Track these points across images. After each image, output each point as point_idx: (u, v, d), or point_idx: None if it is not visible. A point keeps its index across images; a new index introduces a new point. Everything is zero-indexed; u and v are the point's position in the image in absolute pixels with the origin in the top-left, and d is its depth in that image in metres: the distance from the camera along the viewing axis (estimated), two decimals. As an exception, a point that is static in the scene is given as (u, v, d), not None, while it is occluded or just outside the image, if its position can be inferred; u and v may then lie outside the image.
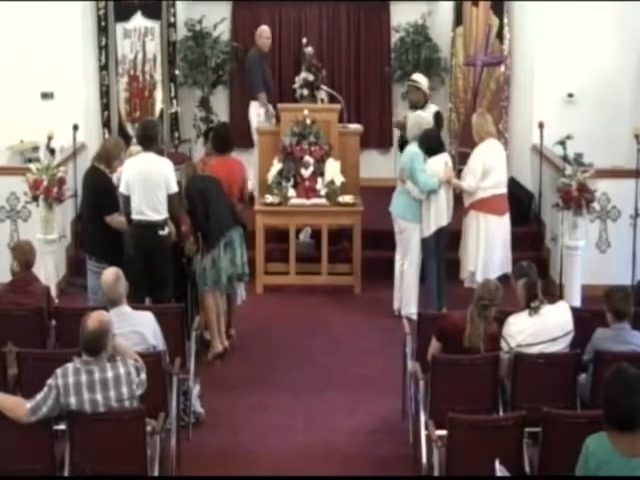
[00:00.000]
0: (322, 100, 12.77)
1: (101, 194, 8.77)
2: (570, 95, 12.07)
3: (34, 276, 8.00)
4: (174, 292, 8.73)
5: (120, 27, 13.07)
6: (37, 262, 8.14)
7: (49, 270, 9.98)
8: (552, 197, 10.68)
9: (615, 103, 11.99)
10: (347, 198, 10.95)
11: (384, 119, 13.74)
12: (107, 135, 12.80)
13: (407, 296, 10.04)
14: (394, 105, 13.66)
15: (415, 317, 8.43)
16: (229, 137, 9.72)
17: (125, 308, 6.99)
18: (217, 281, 8.93)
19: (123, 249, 8.72)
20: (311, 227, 11.43)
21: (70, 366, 5.89)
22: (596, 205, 10.51)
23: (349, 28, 14.02)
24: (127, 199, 8.55)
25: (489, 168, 9.76)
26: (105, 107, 13.12)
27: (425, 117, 10.30)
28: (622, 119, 11.95)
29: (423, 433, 6.68)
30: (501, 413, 6.78)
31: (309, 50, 12.87)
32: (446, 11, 13.43)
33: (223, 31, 13.76)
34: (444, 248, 9.99)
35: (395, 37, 13.82)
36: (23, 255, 7.86)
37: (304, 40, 13.20)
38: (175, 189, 8.64)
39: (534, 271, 7.12)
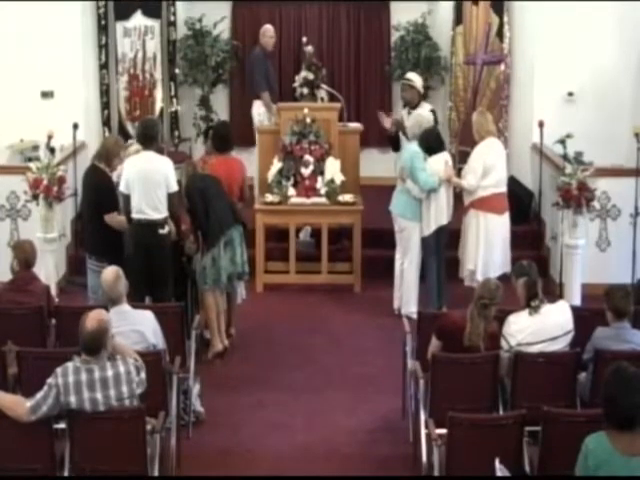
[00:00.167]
0: (322, 99, 12.77)
1: (101, 193, 8.77)
2: (570, 94, 12.07)
3: (34, 275, 8.00)
4: (174, 291, 8.73)
5: (120, 26, 13.08)
6: (37, 261, 8.14)
7: (49, 269, 9.98)
8: (552, 196, 10.69)
9: (615, 102, 11.99)
10: (347, 197, 10.95)
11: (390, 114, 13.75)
12: (107, 134, 12.80)
13: (407, 295, 10.04)
14: (394, 104, 13.64)
15: (415, 316, 8.43)
16: (229, 136, 9.72)
17: (125, 307, 6.99)
18: (217, 280, 8.93)
19: (123, 248, 8.72)
20: (311, 226, 11.43)
21: (70, 365, 5.89)
22: (596, 204, 10.51)
23: (349, 27, 14.02)
24: (127, 198, 8.55)
25: (489, 167, 9.77)
26: (105, 106, 13.12)
27: (425, 116, 10.30)
28: (622, 118, 11.95)
29: (423, 432, 6.67)
30: (501, 412, 6.78)
31: (309, 49, 12.88)
32: (446, 10, 13.44)
33: (223, 30, 13.77)
34: (444, 247, 9.99)
35: (395, 36, 13.82)
36: (23, 254, 7.86)
37: (304, 39, 13.22)
38: (175, 188, 8.64)
39: (534, 270, 7.12)
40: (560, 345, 6.92)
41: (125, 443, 5.92)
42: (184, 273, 9.10)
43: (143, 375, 6.09)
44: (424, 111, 10.59)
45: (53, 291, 9.12)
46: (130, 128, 12.99)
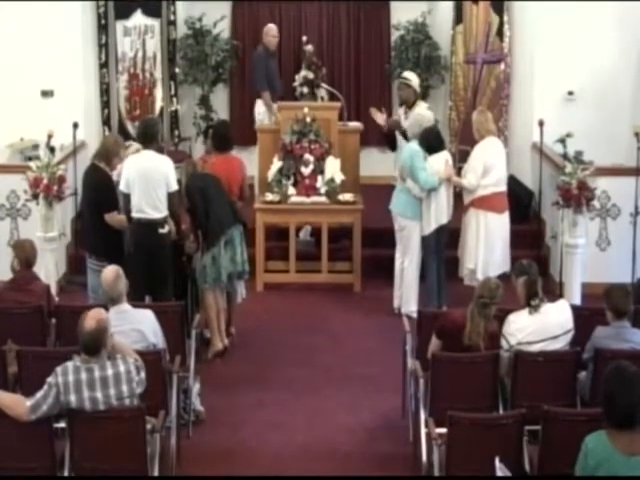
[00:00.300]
0: (322, 98, 12.79)
1: (101, 192, 8.76)
2: (570, 93, 12.07)
3: (34, 274, 8.00)
4: (174, 290, 8.73)
5: (120, 25, 13.08)
6: (37, 260, 8.14)
7: (49, 268, 9.98)
8: (552, 195, 10.69)
9: (615, 101, 12.00)
10: (347, 196, 10.95)
11: (390, 115, 13.74)
12: (107, 133, 12.80)
13: (407, 294, 10.04)
14: (394, 103, 13.64)
15: (415, 315, 8.43)
16: (229, 135, 9.72)
17: (125, 306, 6.99)
18: (217, 279, 8.93)
19: (123, 247, 8.72)
20: (311, 225, 11.43)
21: (70, 364, 5.89)
22: (596, 203, 10.51)
23: (349, 26, 14.04)
24: (127, 197, 8.55)
25: (489, 166, 9.77)
26: (105, 105, 13.13)
27: (426, 115, 10.30)
28: (622, 117, 11.96)
29: (423, 431, 6.67)
30: (501, 411, 6.78)
31: (309, 48, 12.89)
32: (446, 9, 13.44)
33: (223, 29, 13.78)
34: (444, 246, 9.99)
35: (395, 35, 13.84)
36: (24, 253, 7.86)
37: (304, 38, 13.23)
38: (175, 187, 8.64)
39: (534, 269, 7.12)
40: (560, 344, 6.92)
41: (125, 442, 5.92)
42: (184, 272, 9.11)
43: (143, 374, 6.09)
44: (424, 110, 10.59)
45: (53, 290, 9.11)
46: (130, 127, 13.00)
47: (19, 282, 7.80)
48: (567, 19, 11.79)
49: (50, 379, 5.86)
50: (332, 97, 12.40)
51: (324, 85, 12.69)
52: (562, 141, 10.74)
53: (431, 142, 9.83)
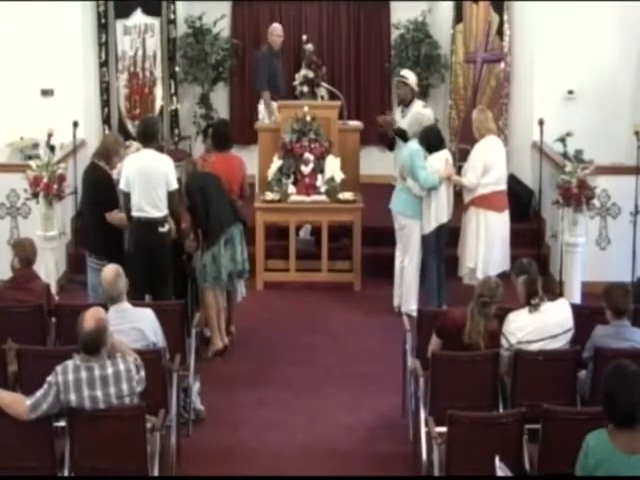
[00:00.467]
0: (322, 97, 12.79)
1: (101, 191, 8.77)
2: (570, 92, 12.07)
3: (34, 273, 8.01)
4: (174, 289, 8.73)
5: (120, 24, 13.08)
6: (37, 259, 8.14)
7: (49, 267, 9.98)
8: (552, 194, 10.69)
9: (615, 100, 11.99)
10: (347, 195, 10.95)
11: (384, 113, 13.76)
12: (107, 132, 12.80)
13: (407, 293, 10.04)
14: (394, 102, 13.65)
15: (415, 314, 8.43)
16: (228, 134, 9.72)
17: (125, 305, 6.98)
18: (217, 278, 8.93)
19: (123, 246, 8.73)
20: (311, 224, 11.43)
21: (70, 363, 5.89)
22: (596, 202, 10.51)
23: (349, 25, 14.04)
24: (127, 196, 8.55)
25: (489, 165, 9.77)
26: (105, 104, 13.13)
27: (426, 114, 10.30)
28: (622, 116, 11.96)
29: (423, 430, 6.67)
30: (501, 410, 6.77)
31: (309, 47, 12.89)
32: (446, 8, 13.44)
33: (223, 28, 13.78)
34: (444, 245, 9.99)
35: (395, 34, 13.84)
36: (24, 252, 7.86)
37: (304, 37, 13.23)
38: (175, 186, 8.64)
39: (534, 268, 7.12)
40: (560, 343, 6.92)
41: (125, 441, 5.92)
42: (184, 271, 9.10)
43: (142, 373, 6.09)
44: (422, 109, 10.59)
45: (53, 289, 9.11)
46: (130, 126, 13.00)
47: (19, 281, 7.81)
48: (567, 18, 11.79)
49: (50, 378, 5.86)
50: (332, 96, 12.40)
51: (324, 84, 12.69)
52: (562, 140, 10.74)
53: (431, 141, 9.83)
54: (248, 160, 10.41)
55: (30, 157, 11.15)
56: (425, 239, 9.90)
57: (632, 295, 6.95)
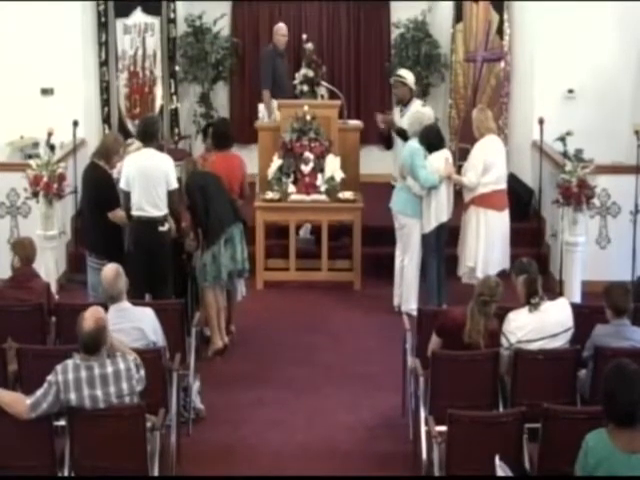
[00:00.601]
0: (322, 96, 12.77)
1: (101, 190, 8.77)
2: (570, 91, 12.07)
3: (34, 272, 8.01)
4: (174, 288, 8.73)
5: (120, 23, 13.08)
6: (37, 258, 8.14)
7: (49, 266, 9.98)
8: (552, 193, 10.68)
9: (615, 99, 11.99)
10: (347, 194, 10.95)
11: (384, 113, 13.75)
12: (107, 131, 12.80)
13: (407, 292, 10.04)
14: (394, 101, 13.65)
15: (415, 313, 8.44)
16: (228, 133, 9.72)
17: (125, 304, 6.98)
18: (217, 277, 8.93)
19: (123, 245, 8.73)
20: (311, 223, 11.43)
21: (70, 362, 5.89)
22: (596, 201, 10.50)
23: (349, 24, 14.03)
24: (127, 195, 8.55)
25: (490, 164, 9.77)
26: (105, 103, 13.12)
27: (426, 113, 10.30)
28: (622, 115, 11.96)
29: (423, 429, 6.67)
30: (501, 409, 6.78)
31: (309, 46, 12.87)
32: (446, 7, 13.43)
33: (223, 27, 13.78)
34: (444, 244, 9.99)
35: (395, 33, 13.83)
36: (24, 251, 7.87)
37: (304, 36, 13.22)
38: (175, 185, 8.64)
39: (534, 267, 7.12)
40: (560, 342, 6.92)
41: (125, 440, 5.92)
42: (184, 270, 9.10)
43: (142, 372, 6.09)
44: (422, 108, 10.59)
45: (53, 288, 9.11)
46: (130, 125, 13.00)
47: (19, 280, 7.81)
48: (567, 17, 11.78)
49: (50, 377, 5.86)
50: (332, 95, 12.40)
51: (324, 83, 12.68)
52: (562, 139, 10.73)
53: (431, 140, 9.83)
54: (248, 159, 10.42)
55: (30, 156, 11.14)
56: (425, 238, 9.90)
57: (632, 294, 6.95)
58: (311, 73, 12.81)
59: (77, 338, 5.95)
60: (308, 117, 11.04)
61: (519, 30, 12.71)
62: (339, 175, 10.95)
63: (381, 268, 10.73)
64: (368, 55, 14.03)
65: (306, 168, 10.95)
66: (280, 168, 11.00)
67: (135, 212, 8.52)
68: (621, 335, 6.80)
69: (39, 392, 5.85)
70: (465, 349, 6.84)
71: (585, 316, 7.24)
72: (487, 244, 9.80)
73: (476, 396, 6.74)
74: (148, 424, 6.09)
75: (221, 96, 14.01)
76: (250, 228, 9.92)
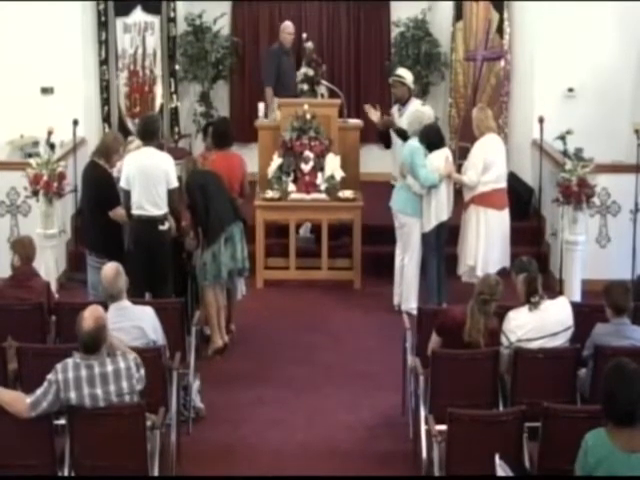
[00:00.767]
0: (322, 95, 12.78)
1: (101, 189, 8.77)
2: (570, 90, 12.07)
3: (34, 271, 8.00)
4: (174, 287, 8.73)
5: (120, 22, 13.09)
6: (37, 257, 8.14)
7: (49, 265, 9.97)
8: (552, 192, 10.68)
9: (615, 98, 11.99)
10: (347, 193, 10.95)
11: (384, 114, 13.72)
12: (107, 130, 12.80)
13: (407, 291, 10.04)
14: (393, 100, 13.65)
15: (415, 312, 8.44)
16: (228, 132, 9.72)
17: (125, 303, 6.98)
18: (217, 276, 8.93)
19: (123, 244, 8.73)
20: (311, 222, 11.43)
21: (70, 361, 5.89)
22: (596, 200, 10.49)
23: (349, 23, 14.04)
24: (127, 194, 8.55)
25: (490, 163, 9.77)
26: (105, 102, 13.13)
27: (426, 112, 10.30)
28: (622, 114, 11.96)
29: (423, 428, 6.68)
30: (501, 408, 6.78)
31: (309, 45, 12.88)
32: (446, 6, 13.43)
33: (223, 26, 13.78)
34: (444, 243, 9.99)
35: (395, 32, 13.83)
36: (23, 250, 7.86)
37: (304, 35, 13.21)
38: (175, 184, 8.64)
39: (534, 266, 7.12)
40: (560, 341, 6.92)
41: (125, 439, 5.92)
42: (184, 269, 9.11)
43: (142, 372, 6.09)
44: (422, 107, 10.60)
45: (53, 287, 9.11)
46: (130, 124, 13.00)
47: (19, 279, 7.80)
48: (567, 16, 11.78)
49: (50, 376, 5.86)
50: (332, 94, 12.40)
51: (324, 82, 12.68)
52: (562, 138, 10.73)
53: (431, 139, 9.83)
54: (248, 158, 10.41)
55: (30, 155, 11.15)
56: (425, 237, 9.90)
57: (632, 293, 6.95)
58: (311, 72, 12.81)
59: (77, 337, 5.95)
60: (308, 116, 11.04)
61: (519, 29, 12.71)
62: (339, 174, 10.95)
63: (381, 267, 10.73)
64: (368, 54, 14.03)
65: (306, 167, 10.95)
66: (280, 167, 11.00)
67: (135, 211, 8.51)
68: (621, 334, 6.79)
69: (39, 391, 5.85)
70: (465, 348, 6.84)
71: (585, 315, 7.24)
72: (487, 243, 9.80)
73: (476, 395, 6.74)
74: (148, 423, 6.09)
75: (221, 95, 14.01)
76: (250, 227, 9.92)
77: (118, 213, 8.69)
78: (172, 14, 13.35)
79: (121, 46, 13.13)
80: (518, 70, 12.76)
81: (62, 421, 6.07)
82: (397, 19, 13.79)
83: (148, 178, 8.47)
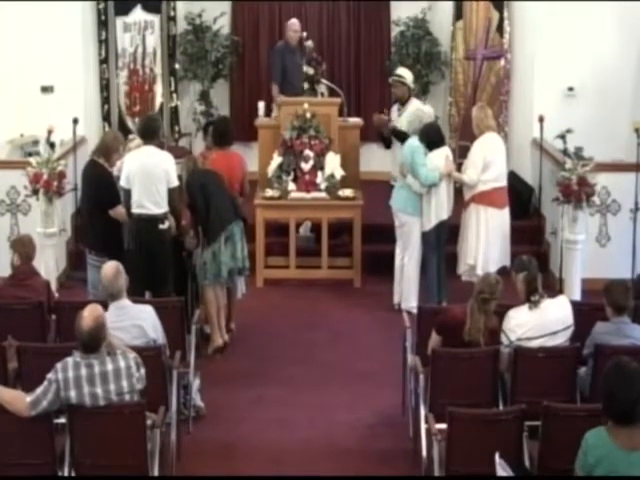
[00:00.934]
0: (322, 94, 12.78)
1: (101, 188, 8.77)
2: (570, 89, 12.07)
3: (34, 270, 8.00)
4: (174, 286, 8.73)
5: (120, 21, 13.08)
6: (37, 256, 8.14)
7: (49, 264, 9.97)
8: (552, 191, 10.68)
9: (615, 97, 11.99)
10: (347, 192, 10.95)
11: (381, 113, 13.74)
12: (107, 129, 12.80)
13: (407, 290, 10.04)
14: (392, 100, 13.64)
15: (415, 311, 8.44)
16: (228, 131, 9.72)
17: (125, 302, 6.98)
18: (217, 275, 8.94)
19: (123, 243, 8.72)
20: (311, 221, 11.43)
21: (70, 360, 5.89)
22: (596, 199, 10.48)
23: (349, 22, 14.03)
24: (128, 193, 8.55)
25: (489, 161, 9.76)
26: (105, 101, 13.13)
27: (426, 111, 10.30)
28: (622, 113, 11.96)
29: (423, 427, 6.68)
30: (501, 407, 6.78)
31: (309, 44, 12.87)
32: (446, 5, 13.43)
33: (223, 25, 13.77)
34: (444, 242, 9.99)
35: (395, 31, 13.83)
36: (23, 248, 7.86)
37: (304, 34, 13.20)
38: (176, 183, 8.64)
39: (534, 265, 7.12)
40: (560, 340, 6.92)
41: (125, 438, 5.92)
42: (184, 268, 9.10)
43: (143, 371, 6.09)
44: (422, 106, 10.60)
45: (53, 286, 9.11)
46: (130, 123, 13.01)
47: (19, 278, 7.80)
48: (567, 15, 11.78)
49: (50, 375, 5.86)
50: (332, 93, 12.39)
51: (324, 81, 12.68)
52: (562, 137, 10.74)
53: (431, 138, 9.82)
54: (248, 157, 10.43)
55: (30, 154, 11.16)
56: (425, 236, 9.90)
57: (632, 292, 6.94)
58: (311, 71, 12.81)
59: (77, 336, 5.94)
60: (308, 115, 11.03)
61: (519, 28, 12.71)
62: (339, 173, 10.95)
63: (381, 266, 10.72)
64: (368, 53, 14.02)
65: (306, 166, 10.95)
66: (280, 166, 11.00)
67: (135, 210, 8.51)
68: (621, 333, 6.80)
69: (39, 390, 5.85)
70: (465, 347, 6.84)
71: (585, 314, 7.24)
72: (487, 242, 9.79)
73: (476, 394, 6.74)
74: (148, 422, 6.09)
75: (221, 94, 14.00)
76: (250, 226, 9.93)
77: (118, 212, 8.69)
78: (172, 13, 13.35)
79: (121, 45, 13.12)
80: (518, 69, 12.77)
81: (62, 420, 6.07)
82: (397, 18, 13.78)
83: (148, 177, 8.47)
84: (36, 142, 11.70)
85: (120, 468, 5.96)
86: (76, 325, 5.90)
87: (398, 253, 10.15)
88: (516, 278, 7.09)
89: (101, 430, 5.90)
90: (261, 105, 12.31)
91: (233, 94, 14.08)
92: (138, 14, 13.13)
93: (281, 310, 10.25)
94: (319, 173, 10.95)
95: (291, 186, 10.92)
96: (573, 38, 11.82)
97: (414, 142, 9.84)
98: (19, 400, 5.86)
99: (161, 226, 8.54)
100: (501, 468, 5.71)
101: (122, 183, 8.59)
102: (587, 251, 10.39)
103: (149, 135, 8.70)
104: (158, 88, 13.33)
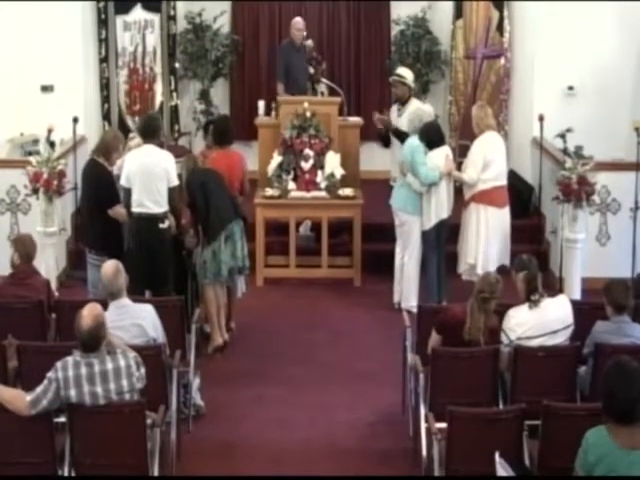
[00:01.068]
0: (322, 93, 12.76)
1: (101, 187, 8.77)
2: (570, 88, 12.07)
3: (34, 269, 8.00)
4: (174, 285, 8.72)
5: (120, 20, 13.08)
6: (37, 255, 8.14)
7: (49, 263, 9.97)
8: (552, 190, 10.68)
9: (615, 96, 11.99)
10: (347, 191, 10.95)
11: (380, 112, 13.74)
12: (107, 128, 12.79)
13: (407, 289, 10.04)
14: (392, 99, 13.64)
15: (415, 310, 8.44)
16: (229, 130, 9.72)
17: (125, 301, 6.97)
18: (218, 274, 8.94)
19: (123, 242, 8.72)
20: (311, 220, 11.42)
21: (70, 359, 5.89)
22: (596, 198, 10.49)
23: (349, 21, 14.02)
24: (128, 192, 8.55)
25: (489, 160, 9.76)
26: (105, 100, 13.13)
27: (426, 110, 10.30)
28: (622, 112, 11.96)
29: (423, 426, 6.68)
30: (501, 406, 6.78)
31: (309, 43, 12.86)
32: (446, 4, 13.42)
33: (223, 24, 13.77)
34: (444, 241, 9.99)
35: (395, 30, 13.82)
36: (24, 248, 7.86)
37: (304, 33, 13.19)
38: (176, 182, 8.64)
39: (534, 264, 7.11)
40: (560, 339, 6.92)
41: (125, 437, 5.92)
42: (184, 267, 9.10)
43: (143, 371, 6.08)
44: (422, 105, 10.60)
45: (53, 285, 9.11)
46: (130, 122, 13.01)
47: (19, 277, 7.80)
48: (567, 14, 11.78)
49: (50, 374, 5.86)
50: (332, 92, 12.39)
51: (324, 80, 12.67)
52: (562, 136, 10.74)
53: (431, 137, 9.82)
54: (248, 156, 10.43)
55: (30, 153, 11.15)
56: (425, 235, 9.90)
57: (632, 291, 6.94)
58: (311, 70, 12.80)
59: (76, 335, 5.94)
60: (308, 114, 11.04)
61: (519, 27, 12.71)
62: (339, 172, 10.95)
63: (381, 265, 10.71)
64: (368, 52, 14.02)
65: (306, 165, 10.95)
66: (280, 165, 11.00)
67: (135, 209, 8.51)
68: (621, 332, 6.80)
69: (39, 389, 5.85)
70: (465, 346, 6.84)
71: (585, 313, 7.24)
72: (487, 241, 9.79)
73: (476, 393, 6.74)
74: (148, 421, 6.09)
75: (221, 93, 14.00)
76: (250, 225, 9.93)
77: (118, 211, 8.69)
78: (172, 12, 13.35)
79: (121, 44, 13.12)
80: (518, 68, 12.77)
81: (62, 419, 6.07)
82: (397, 17, 13.77)
83: (149, 176, 8.47)
84: (36, 141, 11.71)
85: (120, 467, 5.96)
86: (76, 324, 5.90)
87: (398, 252, 10.15)
88: (516, 277, 7.09)
89: (101, 429, 5.90)
90: (261, 104, 12.30)
91: (233, 93, 14.08)
92: (138, 13, 13.13)
93: (281, 309, 10.25)
94: (319, 172, 10.95)
95: (291, 185, 10.92)
96: (573, 37, 11.83)
97: (414, 141, 9.84)
98: (19, 399, 5.86)
99: (161, 225, 8.54)
100: (501, 467, 5.72)
101: (122, 182, 8.59)
102: (587, 250, 10.39)
103: (149, 134, 8.70)
104: (158, 87, 13.32)
